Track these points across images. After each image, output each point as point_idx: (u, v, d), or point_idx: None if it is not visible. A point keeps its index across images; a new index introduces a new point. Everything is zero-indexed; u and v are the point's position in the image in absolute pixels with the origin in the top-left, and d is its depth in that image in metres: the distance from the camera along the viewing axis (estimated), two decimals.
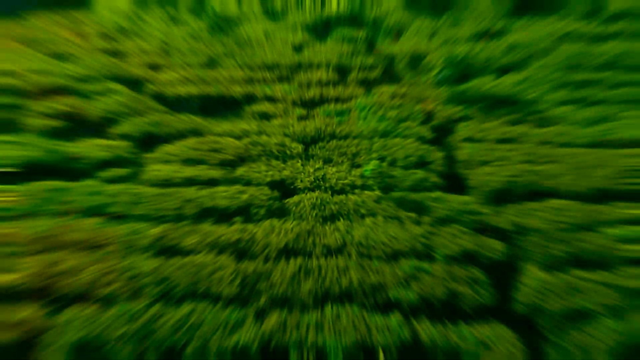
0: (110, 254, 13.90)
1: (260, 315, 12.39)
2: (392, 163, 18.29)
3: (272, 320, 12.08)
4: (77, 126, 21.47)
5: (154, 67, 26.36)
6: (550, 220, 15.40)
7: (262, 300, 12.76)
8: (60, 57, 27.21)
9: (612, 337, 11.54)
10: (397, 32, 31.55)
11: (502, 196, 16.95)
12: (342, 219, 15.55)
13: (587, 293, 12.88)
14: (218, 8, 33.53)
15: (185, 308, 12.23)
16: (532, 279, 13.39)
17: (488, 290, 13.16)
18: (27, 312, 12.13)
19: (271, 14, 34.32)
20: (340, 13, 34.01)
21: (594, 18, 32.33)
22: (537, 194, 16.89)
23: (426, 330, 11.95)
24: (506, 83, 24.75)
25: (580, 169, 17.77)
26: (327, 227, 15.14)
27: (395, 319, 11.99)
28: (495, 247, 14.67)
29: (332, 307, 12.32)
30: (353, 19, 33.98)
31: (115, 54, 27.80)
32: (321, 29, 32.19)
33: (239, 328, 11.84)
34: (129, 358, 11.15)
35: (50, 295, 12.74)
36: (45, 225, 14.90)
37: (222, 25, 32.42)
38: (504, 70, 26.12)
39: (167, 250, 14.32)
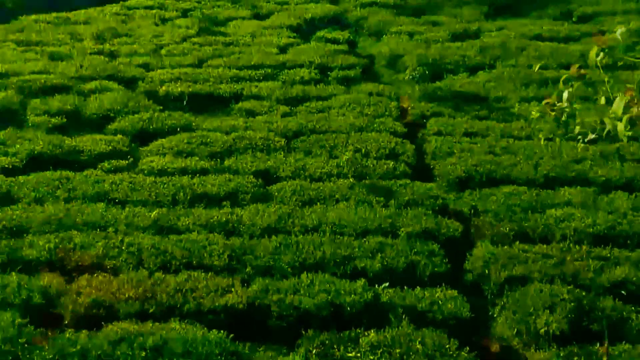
0: (116, 233, 16.37)
1: (246, 282, 14.87)
2: (366, 155, 20.81)
3: (256, 285, 14.56)
4: (76, 122, 23.91)
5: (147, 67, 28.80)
6: (502, 203, 17.97)
7: (248, 269, 15.25)
8: (57, 57, 29.62)
9: (545, 299, 14.07)
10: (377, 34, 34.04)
11: (463, 183, 19.51)
12: (318, 203, 18.06)
13: (528, 263, 15.42)
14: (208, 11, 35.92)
15: (181, 276, 14.70)
16: (482, 251, 15.94)
17: (443, 261, 15.69)
18: (45, 281, 14.60)
19: (259, 16, 36.80)
20: (324, 15, 36.55)
21: (564, 21, 35.01)
22: (494, 181, 19.46)
23: (386, 293, 14.46)
24: (477, 81, 27.34)
25: (534, 160, 20.37)
26: (305, 210, 17.64)
27: (360, 284, 14.49)
28: (453, 226, 17.21)
29: (307, 275, 14.81)
30: (336, 21, 36.56)
31: (109, 54, 30.22)
32: (305, 30, 34.74)
33: (228, 292, 14.31)
34: (135, 316, 13.62)
35: (67, 267, 15.23)
36: (55, 210, 17.35)
37: (210, 27, 34.93)
38: (475, 69, 28.69)
39: (165, 229, 16.79)
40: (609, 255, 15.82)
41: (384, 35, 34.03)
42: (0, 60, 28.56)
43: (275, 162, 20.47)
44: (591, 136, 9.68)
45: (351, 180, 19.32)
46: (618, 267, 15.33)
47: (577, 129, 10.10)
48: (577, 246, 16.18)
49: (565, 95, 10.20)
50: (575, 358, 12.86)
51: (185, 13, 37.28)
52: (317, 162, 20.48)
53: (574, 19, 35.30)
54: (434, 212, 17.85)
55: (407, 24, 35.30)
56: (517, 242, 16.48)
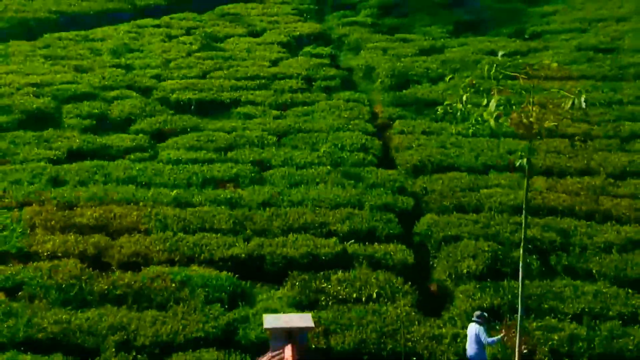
0: (145, 206, 20.84)
1: (247, 240, 19.35)
2: (342, 148, 25.35)
3: (254, 242, 19.05)
4: (104, 124, 28.37)
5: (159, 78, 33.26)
6: (447, 185, 22.56)
7: (248, 231, 19.75)
8: (82, 69, 34.06)
9: (470, 250, 18.59)
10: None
11: (418, 170, 24.07)
12: (302, 185, 22.59)
13: (460, 226, 19.96)
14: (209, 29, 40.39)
15: (197, 236, 19.16)
16: (427, 219, 20.50)
17: (397, 226, 20.22)
18: (95, 239, 19.04)
19: (253, 34, 41.30)
20: (310, 33, 41.13)
21: (517, 38, 39.67)
22: (442, 168, 24.04)
23: (352, 247, 18.98)
24: (437, 90, 31.89)
25: (475, 152, 24.99)
26: (292, 190, 22.17)
27: (332, 240, 19.01)
28: (407, 201, 21.77)
29: (293, 235, 19.32)
30: (320, 38, 41.13)
31: (125, 67, 34.65)
32: (293, 46, 39.27)
33: (233, 247, 18.75)
34: (165, 263, 18.10)
35: (110, 230, 19.69)
36: (96, 189, 21.82)
37: (211, 43, 39.44)
38: (436, 80, 33.21)
39: (183, 204, 21.28)
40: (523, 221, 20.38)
41: (362, 50, 38.61)
42: (34, 73, 32.96)
43: (268, 154, 25.01)
44: (476, 127, 14.28)
45: (329, 167, 23.87)
46: (529, 229, 19.90)
47: (472, 121, 14.74)
48: (499, 215, 20.78)
49: (463, 98, 14.86)
50: (487, 289, 17.39)
51: (188, 31, 41.72)
52: (302, 154, 25.04)
53: (526, 36, 39.93)
54: (393, 192, 22.41)
55: (382, 41, 39.89)
56: (454, 212, 21.08)
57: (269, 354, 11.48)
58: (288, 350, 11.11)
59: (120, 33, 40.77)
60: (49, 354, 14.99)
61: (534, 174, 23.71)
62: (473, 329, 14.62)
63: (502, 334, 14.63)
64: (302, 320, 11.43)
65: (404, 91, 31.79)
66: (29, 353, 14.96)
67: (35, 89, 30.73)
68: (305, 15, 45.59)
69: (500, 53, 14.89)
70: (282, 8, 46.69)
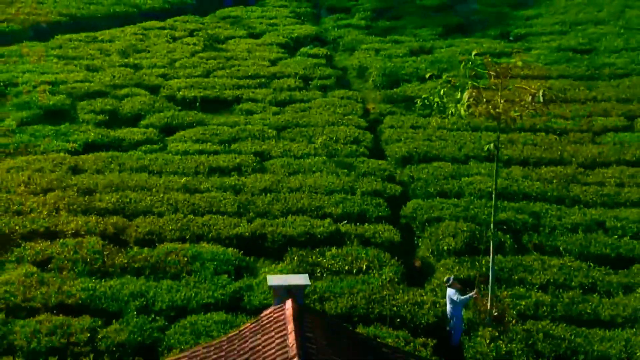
0: (158, 192, 22.82)
1: (250, 221, 21.35)
2: (336, 141, 27.34)
3: (257, 222, 21.05)
4: (116, 119, 30.32)
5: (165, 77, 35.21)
6: (432, 173, 24.59)
7: (251, 213, 21.76)
8: (93, 69, 36.01)
9: (450, 230, 20.61)
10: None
11: (406, 160, 26.09)
12: (300, 174, 24.59)
13: (442, 210, 21.99)
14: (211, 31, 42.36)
15: (206, 217, 21.15)
16: (413, 204, 22.52)
17: (385, 209, 22.23)
18: (114, 220, 21.00)
19: (253, 35, 43.27)
20: (307, 34, 43.11)
21: (502, 40, 41.71)
22: (428, 159, 26.06)
23: (345, 227, 20.97)
24: (425, 88, 33.80)
25: (459, 144, 27.01)
26: (290, 178, 24.17)
27: (327, 221, 21.01)
28: (395, 188, 23.79)
29: (291, 216, 21.33)
30: (317, 39, 43.08)
31: (133, 66, 36.59)
32: (291, 46, 41.27)
33: (237, 226, 20.75)
34: (177, 240, 20.08)
35: (126, 212, 21.68)
36: (113, 177, 23.81)
37: (214, 44, 41.40)
38: (425, 79, 35.10)
39: (192, 190, 23.27)
40: (499, 205, 22.42)
41: (356, 51, 40.60)
42: (49, 72, 34.89)
43: (269, 146, 27.01)
44: (450, 117, 16.35)
45: (324, 158, 25.88)
46: (503, 212, 21.91)
47: (449, 112, 16.82)
48: (478, 200, 22.80)
49: (441, 92, 16.94)
50: (465, 263, 19.40)
51: (192, 33, 43.66)
52: (300, 146, 27.04)
53: (510, 38, 41.97)
54: (382, 180, 24.42)
55: (375, 42, 41.88)
56: (438, 198, 23.12)
57: (272, 308, 13.40)
58: (288, 304, 12.96)
59: (127, 34, 42.69)
60: (78, 316, 16.98)
61: (512, 164, 25.82)
62: (448, 292, 16.67)
63: (472, 293, 16.69)
64: (300, 279, 13.35)
65: (395, 89, 33.79)
66: (60, 315, 16.93)
67: (50, 87, 32.65)
68: (302, 18, 47.60)
69: (473, 53, 16.84)
70: (280, 11, 48.69)
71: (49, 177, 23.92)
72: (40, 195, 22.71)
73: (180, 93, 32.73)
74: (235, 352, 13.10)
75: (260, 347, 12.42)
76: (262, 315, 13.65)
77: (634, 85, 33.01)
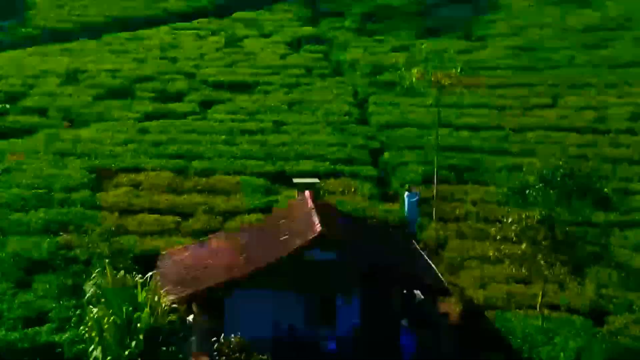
0: (205, 144, 30.94)
1: (273, 163, 29.47)
2: (332, 113, 35.48)
3: (279, 164, 29.25)
4: (164, 96, 38.36)
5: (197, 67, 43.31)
6: (402, 135, 32.77)
7: (273, 158, 29.92)
8: (140, 60, 44.00)
9: (415, 170, 28.79)
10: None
11: (384, 127, 34.27)
12: (306, 134, 32.75)
13: (410, 158, 30.17)
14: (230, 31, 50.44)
15: (243, 161, 29.30)
16: (388, 154, 30.78)
17: (368, 157, 30.44)
18: (178, 161, 29.08)
19: (264, 35, 51.32)
20: (308, 35, 51.16)
21: (465, 40, 49.77)
22: (400, 125, 34.22)
23: (340, 167, 29.20)
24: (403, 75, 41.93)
25: (423, 115, 35.21)
26: (300, 137, 32.37)
27: (327, 163, 29.23)
28: (373, 144, 32.00)
29: (302, 161, 29.51)
30: (316, 39, 51.13)
31: (171, 59, 44.63)
32: (296, 44, 49.29)
33: (267, 166, 28.95)
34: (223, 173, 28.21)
35: (186, 157, 29.77)
36: (172, 136, 31.95)
37: (232, 42, 49.31)
38: (400, 69, 43.13)
39: (230, 144, 31.40)
40: (450, 155, 30.57)
41: (348, 48, 48.61)
42: (106, 62, 42.90)
43: (283, 117, 35.15)
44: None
45: (323, 124, 34.07)
46: (454, 159, 30.10)
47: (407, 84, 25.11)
48: (433, 152, 30.96)
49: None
50: (422, 188, 27.54)
51: (214, 32, 51.57)
52: (305, 116, 35.25)
53: (472, 38, 50.07)
54: (367, 138, 32.64)
55: (363, 41, 49.91)
56: (406, 150, 31.34)
57: (297, 198, 21.55)
58: (307, 193, 21.06)
59: (161, 33, 50.68)
60: (164, 215, 25.07)
61: (462, 129, 34.02)
62: (406, 196, 24.93)
63: (416, 191, 24.84)
64: (313, 180, 21.64)
65: (378, 77, 41.91)
66: (154, 214, 25.05)
67: (110, 73, 40.68)
68: (303, 21, 55.53)
69: (423, 45, 25.09)
70: (285, 15, 56.64)
71: (127, 134, 32.07)
72: (123, 145, 30.84)
73: (212, 78, 40.79)
74: (275, 219, 21.22)
75: (291, 216, 20.48)
76: (290, 201, 21.92)
77: (563, 75, 41.31)
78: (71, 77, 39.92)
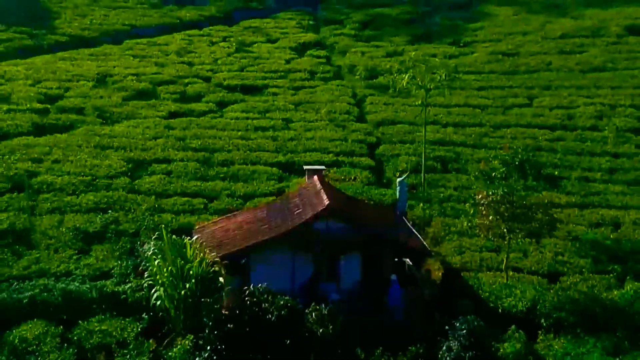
0: (223, 139, 35.18)
1: (284, 155, 33.72)
2: (334, 112, 39.75)
3: (288, 156, 33.47)
4: (184, 98, 42.59)
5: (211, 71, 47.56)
6: (396, 131, 37.03)
7: (283, 151, 34.19)
8: (160, 65, 48.23)
9: (406, 161, 33.04)
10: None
11: (380, 123, 38.54)
12: (311, 131, 37.00)
13: (402, 150, 34.40)
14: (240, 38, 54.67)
15: (257, 153, 33.56)
16: (383, 147, 35.00)
17: (366, 150, 34.67)
18: (202, 154, 33.35)
19: (271, 41, 55.56)
20: (311, 41, 55.39)
21: (453, 45, 54.00)
22: (394, 122, 38.49)
23: (341, 158, 33.41)
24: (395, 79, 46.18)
25: (415, 114, 39.52)
26: (305, 134, 36.61)
27: (330, 155, 33.47)
28: (370, 139, 36.26)
29: (308, 153, 33.73)
30: (318, 44, 55.38)
31: (188, 63, 48.87)
32: (300, 50, 53.55)
33: (276, 157, 33.16)
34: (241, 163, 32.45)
35: (208, 149, 34.01)
36: (195, 132, 36.23)
37: (242, 47, 53.51)
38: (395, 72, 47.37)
39: (245, 138, 35.63)
40: (437, 148, 34.87)
41: (347, 53, 52.88)
42: (129, 66, 47.12)
43: (291, 115, 39.42)
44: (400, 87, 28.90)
45: (327, 122, 38.35)
46: (439, 152, 34.40)
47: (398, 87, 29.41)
48: (422, 145, 35.25)
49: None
50: (411, 175, 31.82)
51: (224, 39, 55.83)
52: (310, 115, 39.51)
53: (460, 44, 54.32)
54: (364, 134, 36.91)
55: (361, 47, 54.20)
56: (398, 144, 35.62)
57: (306, 182, 25.77)
58: (316, 178, 25.26)
59: (177, 40, 54.94)
60: (194, 198, 29.32)
61: (448, 126, 38.30)
62: (398, 180, 29.16)
63: (404, 175, 29.10)
64: (321, 167, 25.90)
65: (374, 80, 46.16)
66: (185, 197, 29.29)
67: (134, 77, 44.92)
68: (306, 28, 59.83)
69: (412, 54, 29.34)
70: (289, 22, 60.95)
71: (154, 130, 36.32)
72: (152, 140, 35.10)
73: (226, 82, 45.03)
74: (288, 198, 25.39)
75: (303, 195, 24.69)
76: (300, 184, 26.12)
77: (540, 78, 45.60)
78: (101, 81, 44.15)
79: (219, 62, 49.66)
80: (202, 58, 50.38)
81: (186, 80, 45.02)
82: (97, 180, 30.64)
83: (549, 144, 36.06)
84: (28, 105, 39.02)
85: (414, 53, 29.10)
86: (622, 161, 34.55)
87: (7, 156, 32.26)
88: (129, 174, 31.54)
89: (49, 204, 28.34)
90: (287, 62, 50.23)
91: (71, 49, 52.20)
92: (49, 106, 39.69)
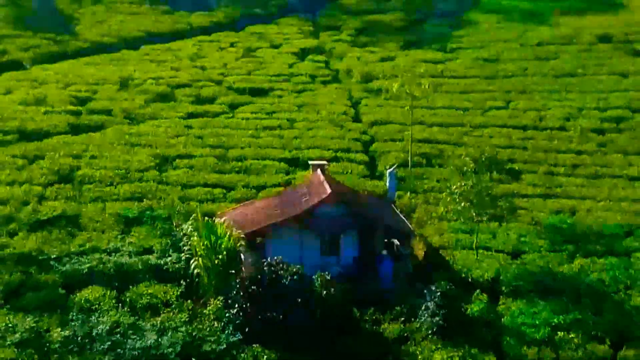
0: (238, 136, 39.74)
1: (290, 151, 38.25)
2: (333, 113, 44.32)
3: (293, 152, 38.01)
4: (199, 100, 47.05)
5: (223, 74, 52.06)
6: (388, 130, 41.62)
7: (289, 147, 38.74)
8: (175, 69, 52.74)
9: (396, 156, 37.57)
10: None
11: (374, 123, 43.12)
12: (313, 129, 41.60)
13: (393, 147, 38.96)
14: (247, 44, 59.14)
15: (265, 149, 38.10)
16: (376, 145, 39.59)
17: (361, 146, 39.23)
18: (219, 150, 37.90)
19: (274, 46, 60.05)
20: (311, 46, 59.87)
21: (441, 51, 58.50)
22: (386, 122, 43.09)
23: (339, 154, 37.95)
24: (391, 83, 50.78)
25: (405, 115, 44.19)
26: (309, 132, 41.21)
27: (330, 152, 38.01)
28: (366, 137, 40.86)
29: (311, 150, 38.30)
30: (317, 49, 59.87)
31: (200, 67, 53.38)
32: (301, 54, 58.03)
33: (282, 154, 37.70)
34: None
35: (224, 146, 38.54)
36: (212, 130, 40.77)
37: (248, 53, 57.92)
38: (389, 77, 52.00)
39: (254, 137, 40.17)
40: (423, 145, 39.48)
41: (344, 58, 57.34)
42: (148, 71, 51.56)
43: (294, 116, 44.00)
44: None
45: (326, 122, 42.95)
46: (426, 148, 39.03)
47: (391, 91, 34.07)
48: (411, 143, 39.88)
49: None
50: (401, 169, 36.45)
51: (232, 44, 60.18)
52: (311, 115, 44.10)
53: (447, 50, 58.78)
54: (360, 133, 41.53)
55: (357, 52, 58.62)
56: (390, 141, 40.24)
57: (312, 174, 30.38)
58: (319, 171, 29.89)
59: (189, 45, 59.35)
60: (215, 189, 33.90)
61: (434, 126, 42.90)
62: (388, 171, 33.78)
63: (393, 168, 33.69)
64: (324, 162, 30.51)
65: (369, 84, 50.69)
66: (206, 187, 33.87)
67: (154, 81, 49.36)
68: (306, 34, 64.19)
69: (402, 65, 33.94)
70: (290, 29, 65.31)
71: (175, 130, 40.87)
72: (175, 138, 39.66)
73: (235, 85, 49.52)
74: (296, 188, 30.00)
75: (308, 185, 29.34)
76: (306, 176, 30.71)
77: (516, 83, 50.21)
78: (124, 84, 48.64)
79: (228, 66, 54.06)
80: (213, 62, 54.80)
81: (200, 84, 49.46)
82: (130, 173, 35.20)
83: (522, 143, 40.74)
84: (63, 107, 43.56)
85: (403, 64, 33.52)
86: (584, 158, 39.27)
87: (52, 153, 36.84)
88: (157, 167, 36.12)
89: (92, 193, 32.95)
90: (290, 66, 54.67)
91: (92, 54, 56.60)
92: (80, 108, 44.20)
